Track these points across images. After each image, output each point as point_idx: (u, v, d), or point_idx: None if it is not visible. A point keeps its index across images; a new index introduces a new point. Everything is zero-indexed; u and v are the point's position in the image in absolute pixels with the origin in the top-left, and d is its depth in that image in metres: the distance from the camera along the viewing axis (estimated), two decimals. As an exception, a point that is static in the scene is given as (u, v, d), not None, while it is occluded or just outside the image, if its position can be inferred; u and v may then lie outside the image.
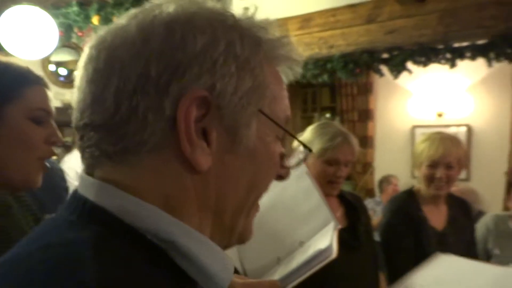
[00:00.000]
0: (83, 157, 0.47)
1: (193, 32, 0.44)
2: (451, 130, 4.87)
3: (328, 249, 1.04)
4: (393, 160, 5.21)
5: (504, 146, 4.59)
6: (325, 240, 1.10)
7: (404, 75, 3.96)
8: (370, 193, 5.32)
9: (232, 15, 0.48)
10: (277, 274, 1.12)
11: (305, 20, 3.96)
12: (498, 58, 3.33)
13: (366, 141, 5.48)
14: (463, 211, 1.85)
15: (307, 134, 1.58)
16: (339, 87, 5.65)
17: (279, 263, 1.22)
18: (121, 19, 0.47)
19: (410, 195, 1.86)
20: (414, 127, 5.22)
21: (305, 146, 0.58)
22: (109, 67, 0.44)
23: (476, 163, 4.79)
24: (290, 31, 3.94)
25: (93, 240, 0.39)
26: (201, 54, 0.44)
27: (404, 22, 3.59)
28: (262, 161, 0.49)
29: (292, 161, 0.55)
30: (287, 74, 0.54)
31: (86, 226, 0.41)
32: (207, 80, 0.44)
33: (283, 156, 0.54)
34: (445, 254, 1.05)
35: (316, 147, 1.51)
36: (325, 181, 1.53)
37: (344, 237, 1.38)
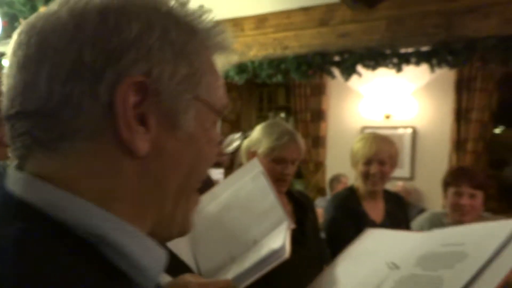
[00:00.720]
0: (13, 148, 0.46)
1: (127, 18, 0.44)
2: (398, 132, 5.12)
3: (281, 249, 1.07)
4: (344, 160, 5.31)
5: (445, 147, 4.87)
6: (278, 239, 1.13)
7: (355, 77, 4.12)
8: (321, 192, 5.46)
9: (166, 3, 0.48)
10: (231, 273, 1.13)
11: (260, 20, 4.02)
12: (440, 64, 3.54)
13: (318, 141, 5.63)
14: (398, 205, 2.05)
15: (255, 133, 1.63)
16: (293, 87, 5.76)
17: (234, 262, 1.23)
18: (51, 5, 0.46)
19: (351, 192, 2.01)
20: (364, 128, 5.42)
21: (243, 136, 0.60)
22: (41, 53, 0.43)
23: (420, 163, 5.05)
24: (246, 30, 3.99)
25: (16, 236, 0.39)
26: (137, 40, 0.44)
27: (354, 27, 3.73)
28: (201, 146, 0.50)
29: (228, 147, 0.57)
30: (223, 63, 0.55)
31: (11, 223, 0.40)
32: (143, 66, 0.44)
33: (220, 142, 0.56)
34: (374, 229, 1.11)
35: (263, 146, 1.56)
36: (273, 179, 1.58)
37: (292, 233, 1.43)
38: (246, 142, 1.67)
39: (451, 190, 2.06)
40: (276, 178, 1.57)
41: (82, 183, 0.43)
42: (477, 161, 4.66)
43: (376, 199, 1.97)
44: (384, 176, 1.88)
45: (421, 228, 2.18)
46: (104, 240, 0.42)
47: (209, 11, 0.51)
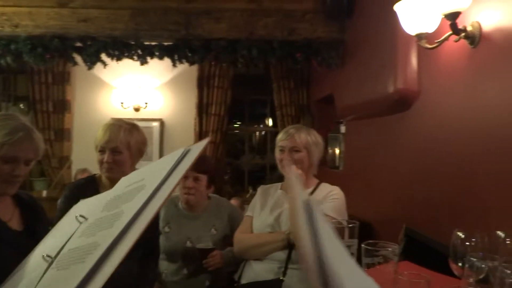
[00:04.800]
0: None
1: None
2: (148, 124, 5.23)
3: None
4: (92, 153, 5.11)
5: (190, 138, 5.26)
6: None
7: (104, 69, 3.97)
8: (67, 188, 5.06)
9: None
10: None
11: (-19, -11, 3.38)
12: (181, 60, 3.77)
13: (63, 134, 5.19)
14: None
15: None
16: (32, 74, 5.12)
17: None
18: None
19: (89, 181, 1.90)
20: (112, 120, 5.30)
21: None
22: None
23: (168, 153, 5.31)
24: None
25: None
26: None
27: (97, 12, 3.58)
28: None
29: None
30: None
31: None
32: None
33: None
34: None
35: None
36: (0, 180, 1.35)
37: (22, 242, 1.29)
38: None
39: None
40: (3, 179, 1.36)
41: None
42: (216, 151, 5.22)
43: None
44: (120, 165, 1.80)
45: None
46: None
47: None
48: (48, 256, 0.75)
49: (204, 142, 0.79)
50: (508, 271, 0.97)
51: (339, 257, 0.60)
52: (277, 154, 2.04)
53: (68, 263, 0.70)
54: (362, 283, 0.68)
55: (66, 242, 0.75)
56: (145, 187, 0.75)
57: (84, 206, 0.89)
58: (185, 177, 2.20)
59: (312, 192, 2.00)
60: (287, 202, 1.96)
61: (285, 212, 1.95)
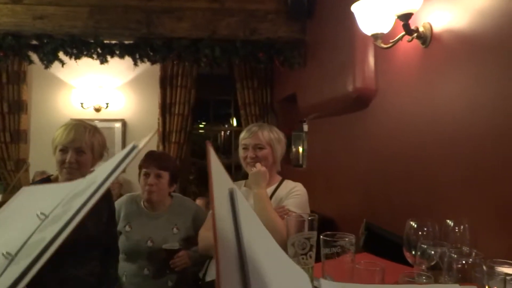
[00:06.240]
0: None
1: None
2: (109, 125, 5.12)
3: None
4: (51, 155, 4.96)
5: (154, 138, 5.18)
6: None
7: (64, 69, 3.86)
8: (24, 192, 4.87)
9: None
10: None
11: None
12: (142, 59, 3.72)
13: (19, 136, 5.00)
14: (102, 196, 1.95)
15: None
16: (-16, 73, 4.90)
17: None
18: None
19: (44, 183, 1.84)
20: (74, 121, 5.16)
21: None
22: None
23: (131, 155, 5.22)
24: None
25: None
26: None
27: (54, 9, 3.47)
28: None
29: None
30: None
31: None
32: None
33: None
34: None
35: None
36: None
37: None
38: None
39: (142, 172, 2.23)
40: None
41: None
42: (181, 151, 5.18)
43: None
44: (82, 166, 1.77)
45: (120, 208, 2.25)
46: None
47: None
48: (8, 253, 0.73)
49: (150, 135, 0.81)
50: (456, 256, 1.03)
51: (261, 243, 0.63)
52: (241, 152, 2.06)
53: (20, 257, 0.69)
54: (283, 269, 0.71)
55: (27, 240, 0.74)
56: (95, 182, 0.76)
57: (39, 200, 0.87)
58: (147, 174, 2.19)
59: (275, 189, 2.03)
60: (251, 198, 1.99)
61: None
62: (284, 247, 1.80)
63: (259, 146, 2.01)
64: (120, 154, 0.78)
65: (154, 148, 5.20)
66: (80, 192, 0.77)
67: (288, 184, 2.06)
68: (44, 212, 0.77)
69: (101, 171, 0.80)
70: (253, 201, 1.91)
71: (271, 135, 2.04)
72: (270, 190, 2.01)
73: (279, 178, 2.10)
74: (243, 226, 0.56)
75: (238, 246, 0.53)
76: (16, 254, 0.74)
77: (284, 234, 1.81)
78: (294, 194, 1.98)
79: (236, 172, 5.70)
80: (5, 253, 0.74)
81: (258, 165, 1.96)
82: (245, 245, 0.55)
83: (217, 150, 6.30)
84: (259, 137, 2.01)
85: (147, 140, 0.72)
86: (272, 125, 2.21)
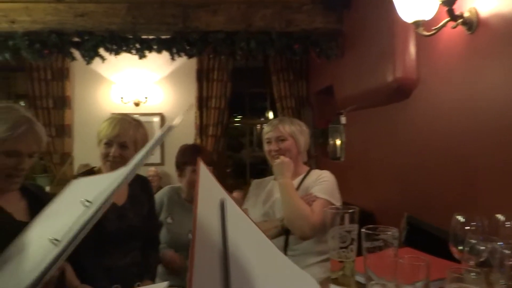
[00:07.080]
0: None
1: None
2: (147, 119, 5.23)
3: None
4: (94, 149, 5.13)
5: (191, 132, 5.26)
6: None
7: (104, 64, 3.97)
8: (69, 185, 5.07)
9: None
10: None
11: (-22, -14, 3.37)
12: (179, 53, 3.76)
13: (64, 130, 5.19)
14: (141, 187, 1.99)
15: None
16: (32, 71, 5.11)
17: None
18: None
19: (88, 174, 1.88)
20: (119, 115, 5.31)
21: None
22: None
23: (169, 148, 5.30)
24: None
25: None
26: None
27: (94, 7, 3.57)
28: None
29: None
30: None
31: None
32: None
33: None
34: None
35: None
36: (3, 175, 1.35)
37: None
38: None
39: (189, 168, 2.24)
40: (8, 174, 1.37)
41: None
42: (217, 144, 5.22)
43: None
44: (125, 160, 1.76)
45: (161, 201, 2.29)
46: None
47: None
48: (56, 240, 0.76)
49: (185, 111, 0.88)
50: (508, 252, 0.97)
51: (254, 248, 0.69)
52: (265, 146, 2.12)
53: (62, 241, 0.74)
54: (284, 273, 0.73)
55: (72, 225, 0.77)
56: (132, 163, 0.82)
57: (87, 189, 0.90)
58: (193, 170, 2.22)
59: (303, 179, 2.03)
60: (277, 190, 1.99)
61: (278, 201, 1.98)
62: (313, 233, 1.81)
63: (281, 138, 2.04)
64: (157, 135, 0.84)
65: (191, 142, 5.27)
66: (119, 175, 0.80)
67: (315, 173, 2.06)
68: (89, 199, 0.79)
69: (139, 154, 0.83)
70: (279, 191, 1.92)
71: (292, 127, 2.06)
72: (297, 180, 2.03)
73: (306, 168, 2.11)
74: (231, 232, 0.62)
75: (224, 248, 0.59)
76: (62, 239, 0.77)
77: (311, 220, 1.81)
78: (320, 181, 1.98)
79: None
80: (52, 239, 0.77)
81: (281, 157, 1.99)
82: (230, 248, 0.59)
83: (252, 144, 6.31)
84: (280, 129, 2.04)
85: (181, 117, 0.76)
86: (308, 118, 2.20)
